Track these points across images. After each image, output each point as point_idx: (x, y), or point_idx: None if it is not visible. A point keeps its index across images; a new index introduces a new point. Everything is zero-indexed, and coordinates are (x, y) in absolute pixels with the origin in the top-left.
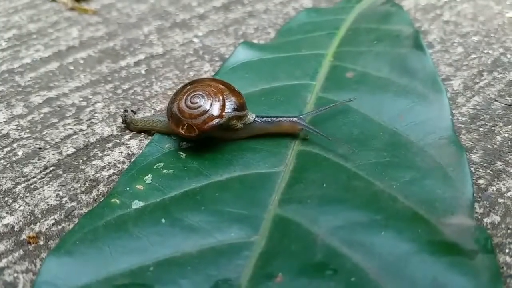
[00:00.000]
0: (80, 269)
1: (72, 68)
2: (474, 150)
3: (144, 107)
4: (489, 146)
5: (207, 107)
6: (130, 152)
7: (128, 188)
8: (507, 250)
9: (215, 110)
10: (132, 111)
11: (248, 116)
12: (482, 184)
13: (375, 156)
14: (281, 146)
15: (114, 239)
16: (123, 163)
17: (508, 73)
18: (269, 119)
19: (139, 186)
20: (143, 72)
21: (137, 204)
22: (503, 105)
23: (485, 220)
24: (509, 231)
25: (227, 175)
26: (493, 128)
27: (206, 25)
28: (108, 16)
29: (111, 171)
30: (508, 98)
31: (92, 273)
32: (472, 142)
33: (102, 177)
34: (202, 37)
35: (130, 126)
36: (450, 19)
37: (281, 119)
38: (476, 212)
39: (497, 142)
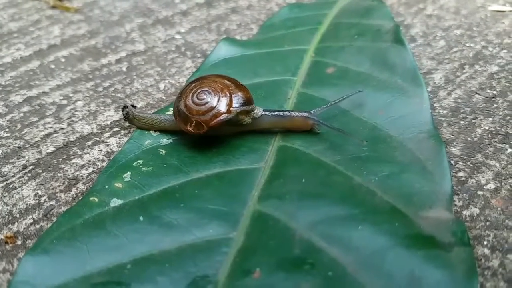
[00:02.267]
0: (57, 268)
1: (53, 66)
2: (454, 143)
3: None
4: (469, 139)
5: (214, 103)
6: (109, 150)
7: (106, 186)
8: (485, 242)
9: (223, 106)
10: (132, 105)
11: (256, 111)
12: (462, 177)
13: (354, 150)
14: (261, 142)
15: (91, 237)
16: (103, 161)
17: (490, 66)
18: (281, 113)
19: (118, 184)
20: (124, 69)
21: (115, 202)
22: (484, 98)
23: (464, 212)
24: (487, 223)
25: (207, 172)
26: (473, 121)
27: (188, 21)
28: (91, 14)
29: (91, 169)
30: (489, 91)
31: (69, 272)
32: (453, 135)
33: (81, 176)
34: (184, 33)
35: (134, 122)
36: (433, 12)
37: (293, 113)
38: (455, 205)
39: (478, 135)
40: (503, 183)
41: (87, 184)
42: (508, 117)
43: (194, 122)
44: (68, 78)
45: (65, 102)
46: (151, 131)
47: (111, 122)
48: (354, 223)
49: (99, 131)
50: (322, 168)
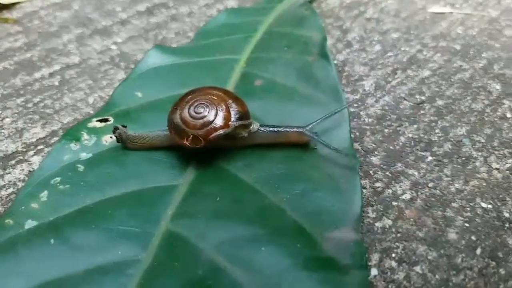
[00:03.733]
0: None
1: None
2: (375, 152)
3: (52, 120)
4: (391, 147)
5: (212, 117)
6: (31, 169)
7: (23, 207)
8: (393, 255)
9: (221, 120)
10: (123, 125)
11: (253, 125)
12: (378, 187)
13: (271, 168)
14: (182, 158)
15: (2, 262)
16: (23, 181)
17: (422, 71)
18: (276, 129)
19: (34, 205)
20: (56, 83)
21: (30, 224)
22: (411, 104)
23: (376, 224)
24: (398, 234)
25: (123, 190)
26: (398, 128)
27: (126, 30)
28: (29, 25)
29: (10, 189)
30: (417, 96)
31: None
32: (375, 144)
33: (0, 197)
34: (120, 43)
35: (127, 143)
36: (372, 16)
37: (287, 129)
38: (369, 217)
39: (400, 143)
40: (419, 193)
41: (6, 206)
42: (433, 124)
43: (191, 136)
44: None
45: None
46: (71, 145)
47: (36, 140)
48: (259, 244)
49: (24, 150)
50: (238, 185)
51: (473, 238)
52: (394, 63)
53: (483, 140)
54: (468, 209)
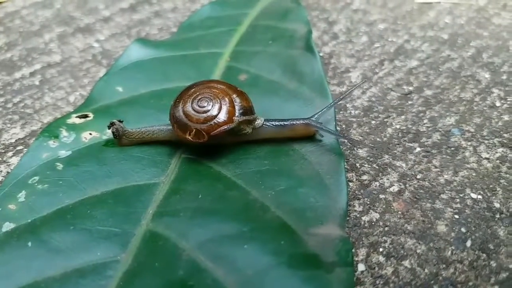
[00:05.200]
0: None
1: None
2: (362, 145)
3: (32, 120)
4: (378, 139)
5: (216, 112)
6: (9, 171)
7: (0, 209)
8: (381, 249)
9: (224, 115)
10: (119, 121)
11: (258, 121)
12: (365, 180)
13: (256, 164)
14: (164, 154)
15: None
16: (1, 183)
17: (409, 61)
18: (282, 123)
19: (12, 206)
20: (37, 83)
21: (7, 226)
22: (399, 95)
23: (363, 218)
24: (386, 228)
25: (103, 189)
26: (385, 120)
27: (109, 28)
28: (11, 24)
29: None
30: (405, 87)
31: None
32: (362, 136)
33: None
34: (103, 41)
35: (122, 139)
36: (359, 7)
37: (293, 122)
38: (355, 211)
39: (387, 135)
40: (407, 185)
41: None
42: (421, 114)
43: (194, 130)
44: None
45: None
46: (49, 142)
47: (15, 140)
48: (242, 242)
49: (3, 151)
50: (221, 182)
51: (463, 230)
52: (381, 54)
53: (472, 130)
54: (458, 200)
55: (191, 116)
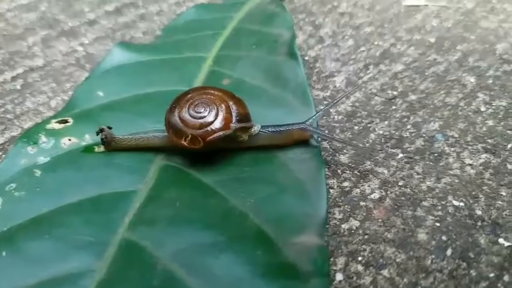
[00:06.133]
0: None
1: None
2: (344, 151)
3: (12, 126)
4: (360, 145)
5: (212, 118)
6: None
7: None
8: (360, 258)
9: (221, 121)
10: (108, 127)
11: (254, 128)
12: (346, 187)
13: (237, 171)
14: (143, 161)
15: None
16: None
17: (395, 65)
18: (278, 129)
19: None
20: (18, 87)
21: None
22: (383, 99)
23: (343, 226)
24: (366, 236)
25: (80, 197)
26: (368, 125)
27: (94, 31)
28: None
29: None
30: (390, 91)
31: None
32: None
33: None
34: (87, 45)
35: (111, 145)
36: (346, 10)
37: (289, 128)
38: (335, 218)
39: (370, 140)
40: (388, 192)
41: None
42: (405, 119)
43: (190, 136)
44: None
45: None
46: (28, 148)
47: None
48: (217, 251)
49: None
50: (200, 190)
51: (444, 238)
52: (367, 58)
53: (456, 135)
54: (439, 207)
55: (187, 122)
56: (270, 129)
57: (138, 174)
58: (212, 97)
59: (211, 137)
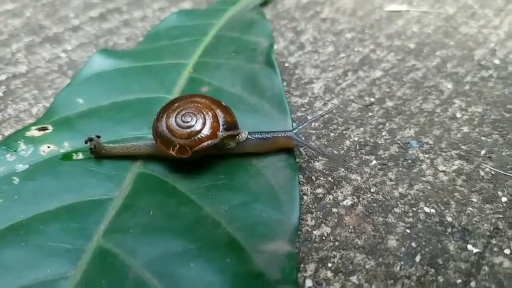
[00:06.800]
0: None
1: None
2: (319, 157)
3: None
4: (335, 152)
5: (199, 127)
6: None
7: None
8: (329, 265)
9: (208, 130)
10: (97, 136)
11: (242, 135)
12: (320, 193)
13: (212, 178)
14: (120, 168)
15: None
16: None
17: (374, 71)
18: (264, 136)
19: None
20: (1, 94)
21: None
22: (360, 106)
23: (314, 232)
24: (336, 243)
25: (57, 204)
26: (344, 132)
27: (77, 37)
28: None
29: None
30: (367, 98)
31: None
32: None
33: None
34: (70, 51)
35: (100, 153)
36: (328, 16)
37: (275, 135)
38: (307, 225)
39: (345, 147)
40: (360, 198)
41: None
42: (381, 126)
43: (178, 145)
44: None
45: None
46: (7, 156)
47: None
48: (188, 259)
49: None
50: (174, 197)
51: (414, 244)
52: (346, 64)
53: (431, 142)
54: (411, 214)
55: (175, 131)
56: (256, 135)
57: (115, 182)
58: (199, 105)
59: (198, 147)
